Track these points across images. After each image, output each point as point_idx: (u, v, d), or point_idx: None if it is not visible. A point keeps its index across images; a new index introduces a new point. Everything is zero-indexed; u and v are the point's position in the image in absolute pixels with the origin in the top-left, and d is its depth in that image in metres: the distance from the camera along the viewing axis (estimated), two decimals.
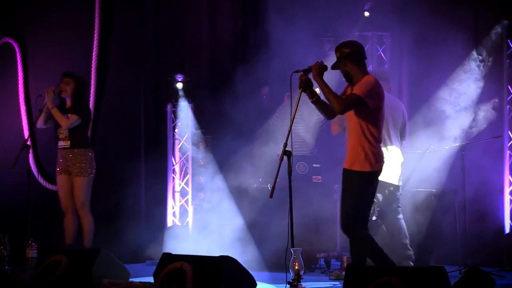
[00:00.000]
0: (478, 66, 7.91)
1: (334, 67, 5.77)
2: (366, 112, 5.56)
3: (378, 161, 5.60)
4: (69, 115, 7.43)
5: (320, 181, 7.77)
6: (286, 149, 5.23)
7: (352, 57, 5.63)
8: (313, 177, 7.74)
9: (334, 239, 7.82)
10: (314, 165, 7.78)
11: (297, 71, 5.55)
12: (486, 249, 7.67)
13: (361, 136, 5.60)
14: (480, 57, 7.91)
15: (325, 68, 5.57)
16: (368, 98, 5.51)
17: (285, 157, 5.26)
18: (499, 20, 7.85)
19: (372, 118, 5.58)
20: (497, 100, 7.70)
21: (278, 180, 5.25)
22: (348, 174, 5.68)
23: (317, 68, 5.53)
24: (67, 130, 7.44)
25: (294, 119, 5.37)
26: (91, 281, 5.78)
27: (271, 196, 5.18)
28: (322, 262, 7.76)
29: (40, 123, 7.55)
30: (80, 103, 7.53)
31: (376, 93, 5.56)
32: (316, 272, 7.50)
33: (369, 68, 7.94)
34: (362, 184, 5.61)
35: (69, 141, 7.45)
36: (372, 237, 5.66)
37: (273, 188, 5.18)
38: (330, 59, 8.43)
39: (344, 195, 5.69)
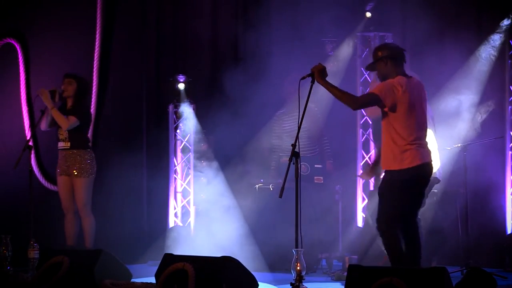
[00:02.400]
0: (480, 67, 7.91)
1: (369, 67, 5.88)
2: (387, 111, 5.58)
3: (406, 159, 5.53)
4: (68, 116, 7.43)
5: (322, 182, 7.77)
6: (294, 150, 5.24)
7: (393, 57, 5.69)
8: (315, 177, 7.74)
9: (336, 240, 7.82)
10: (315, 165, 7.77)
11: (303, 78, 5.53)
12: (488, 249, 7.66)
13: (388, 136, 5.62)
14: (482, 58, 7.91)
15: (325, 70, 5.52)
16: (384, 97, 5.52)
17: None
18: (502, 21, 7.84)
19: (396, 117, 5.55)
20: (490, 103, 7.71)
21: (280, 181, 5.24)
22: (384, 174, 5.72)
23: (320, 71, 5.47)
24: (67, 132, 7.44)
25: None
26: (93, 282, 5.78)
27: (280, 196, 5.16)
28: (324, 262, 7.76)
29: (44, 126, 7.54)
30: (80, 105, 7.52)
31: (391, 91, 5.52)
32: (318, 273, 7.50)
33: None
34: (390, 184, 5.61)
35: (68, 142, 7.45)
36: (399, 239, 5.56)
37: (282, 188, 5.17)
38: (332, 60, 8.50)
39: (380, 194, 5.71)
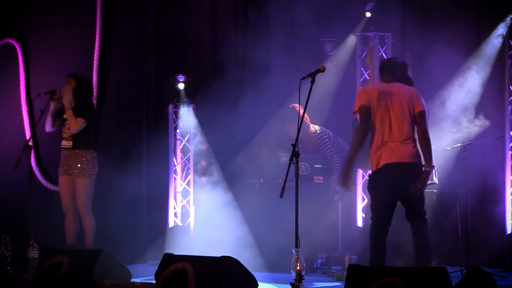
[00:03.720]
0: (480, 67, 7.90)
1: None
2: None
3: (372, 162, 5.86)
4: (77, 118, 7.39)
5: (322, 181, 7.77)
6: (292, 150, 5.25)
7: (380, 68, 6.11)
8: (315, 177, 7.73)
9: (335, 240, 7.82)
10: (315, 165, 7.77)
11: (304, 78, 5.53)
12: (488, 249, 7.66)
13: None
14: (482, 58, 7.91)
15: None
16: (363, 105, 5.84)
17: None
18: (501, 21, 7.84)
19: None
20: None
21: (279, 181, 5.24)
22: None
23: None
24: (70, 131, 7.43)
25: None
26: (93, 281, 5.79)
27: (281, 196, 5.17)
28: (319, 262, 7.74)
29: (49, 128, 7.51)
30: (85, 105, 7.49)
31: (363, 99, 5.85)
32: (318, 273, 7.50)
33: (369, 70, 7.98)
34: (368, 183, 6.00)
35: (71, 142, 7.43)
36: (373, 235, 5.78)
37: (283, 188, 5.18)
38: (332, 60, 8.49)
39: None
